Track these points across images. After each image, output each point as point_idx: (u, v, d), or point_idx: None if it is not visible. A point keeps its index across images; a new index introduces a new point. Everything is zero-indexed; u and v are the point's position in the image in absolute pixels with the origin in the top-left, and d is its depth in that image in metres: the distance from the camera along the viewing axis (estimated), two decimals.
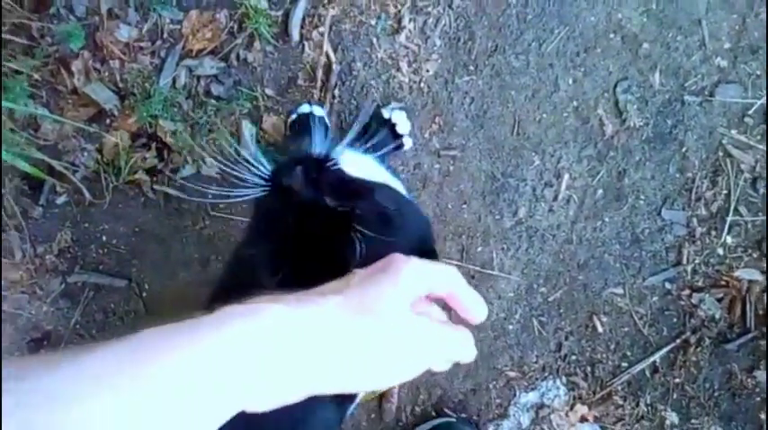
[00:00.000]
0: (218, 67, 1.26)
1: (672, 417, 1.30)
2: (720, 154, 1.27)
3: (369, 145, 0.65)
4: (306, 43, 1.25)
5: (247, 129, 1.26)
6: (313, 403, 0.37)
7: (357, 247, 0.46)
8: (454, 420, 1.26)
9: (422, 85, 1.26)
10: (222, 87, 1.26)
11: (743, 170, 1.27)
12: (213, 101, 1.26)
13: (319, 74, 1.26)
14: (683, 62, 1.26)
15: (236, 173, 0.54)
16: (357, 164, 0.56)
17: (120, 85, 1.26)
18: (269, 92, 1.27)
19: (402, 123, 1.20)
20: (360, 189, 0.50)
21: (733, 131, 1.26)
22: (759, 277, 1.27)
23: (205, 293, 1.27)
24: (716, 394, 1.30)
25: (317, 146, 0.54)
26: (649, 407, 1.30)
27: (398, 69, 1.26)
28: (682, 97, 1.26)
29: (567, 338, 1.31)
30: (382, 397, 1.29)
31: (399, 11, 1.25)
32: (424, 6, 1.25)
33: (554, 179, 1.28)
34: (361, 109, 1.21)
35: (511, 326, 1.30)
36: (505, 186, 1.28)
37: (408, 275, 0.41)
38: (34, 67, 1.23)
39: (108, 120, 1.27)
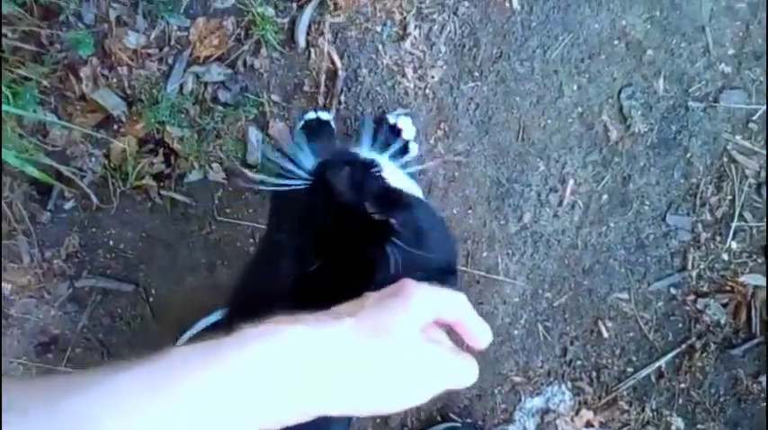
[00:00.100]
0: (225, 74, 1.27)
1: (677, 423, 1.30)
2: (725, 159, 1.27)
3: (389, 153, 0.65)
4: (312, 50, 1.26)
5: (254, 135, 1.27)
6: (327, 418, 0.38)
7: (391, 259, 0.46)
8: (459, 425, 1.27)
9: (427, 91, 1.27)
10: (229, 93, 1.27)
11: (747, 176, 1.27)
12: (220, 107, 1.27)
13: (324, 80, 1.27)
14: (687, 68, 1.26)
15: (281, 162, 0.54)
16: (394, 174, 0.56)
17: (128, 91, 1.27)
18: (275, 98, 1.28)
19: (407, 129, 1.21)
20: (400, 201, 0.50)
21: (737, 137, 1.27)
22: (764, 282, 1.27)
23: (212, 297, 1.29)
24: (721, 399, 1.30)
25: (365, 150, 0.54)
26: (655, 413, 1.31)
27: (404, 75, 1.27)
28: (686, 103, 1.27)
29: (572, 343, 1.31)
30: None
31: (405, 18, 1.26)
32: (430, 13, 1.26)
33: (559, 184, 1.28)
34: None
35: (516, 332, 1.30)
36: (510, 192, 1.28)
37: (419, 301, 0.42)
38: (43, 73, 1.24)
39: (116, 126, 1.28)
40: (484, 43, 1.27)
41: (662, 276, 1.29)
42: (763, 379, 1.28)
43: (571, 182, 1.28)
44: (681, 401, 1.30)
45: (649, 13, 1.26)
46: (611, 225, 1.29)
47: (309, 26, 1.26)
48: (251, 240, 1.30)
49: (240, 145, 1.28)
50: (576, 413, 1.30)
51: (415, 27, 1.26)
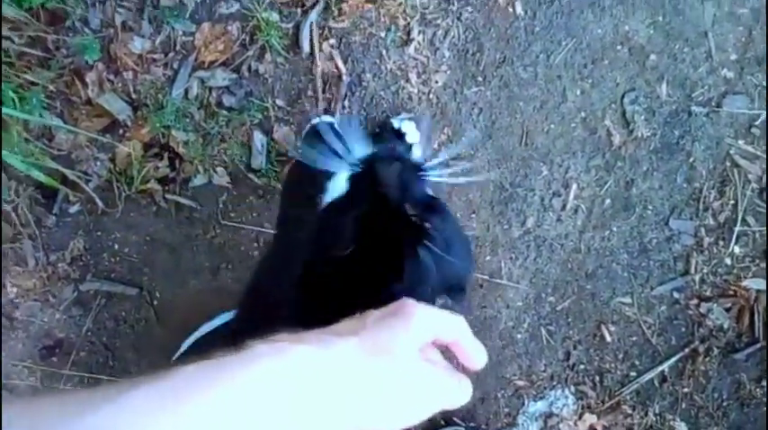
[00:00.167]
0: (229, 79, 1.28)
1: (681, 427, 1.30)
2: (728, 164, 1.28)
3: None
4: (316, 55, 1.27)
5: (258, 139, 1.28)
6: None
7: (424, 261, 0.47)
8: (463, 429, 1.27)
9: (431, 95, 1.28)
10: (234, 98, 1.28)
11: (750, 180, 1.27)
12: (225, 111, 1.28)
13: (329, 85, 1.28)
14: (689, 73, 1.27)
15: (332, 142, 0.54)
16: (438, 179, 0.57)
17: (134, 95, 1.28)
18: (280, 102, 1.28)
19: (411, 133, 1.21)
20: (437, 207, 0.51)
21: (740, 142, 1.27)
22: (767, 287, 1.28)
23: (216, 300, 1.29)
24: (724, 404, 1.30)
25: (421, 150, 0.54)
26: (658, 417, 1.31)
27: (408, 80, 1.28)
28: (689, 108, 1.27)
29: (575, 347, 1.31)
30: None
31: (409, 23, 1.27)
32: (433, 18, 1.27)
33: (562, 189, 1.29)
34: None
35: (519, 335, 1.31)
36: (514, 196, 1.29)
37: (420, 321, 0.42)
38: (49, 78, 1.25)
39: (121, 131, 1.29)
40: (487, 48, 1.27)
41: (665, 280, 1.30)
42: (765, 383, 1.28)
43: (574, 186, 1.28)
44: (684, 405, 1.30)
45: (652, 19, 1.26)
46: (615, 229, 1.29)
47: (314, 31, 1.27)
48: (255, 244, 1.31)
49: (245, 149, 1.29)
50: (580, 417, 1.30)
51: (419, 32, 1.27)
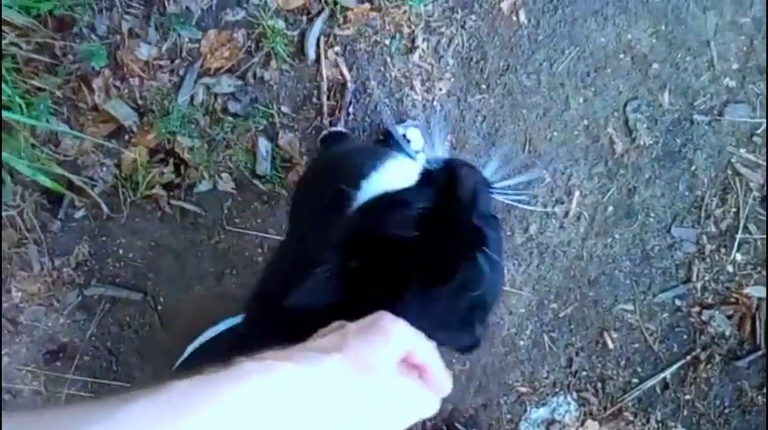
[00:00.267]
0: (235, 85, 1.28)
1: None
2: (729, 172, 1.28)
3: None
4: (321, 62, 1.28)
5: (263, 145, 1.29)
6: None
7: (480, 266, 0.49)
8: None
9: (435, 103, 1.29)
10: (239, 105, 1.29)
11: (752, 188, 1.28)
12: (230, 118, 1.29)
13: (333, 92, 1.29)
14: (691, 82, 1.28)
15: (422, 135, 0.58)
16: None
17: (140, 101, 1.29)
18: (285, 109, 1.29)
19: (416, 140, 1.22)
20: (496, 224, 0.54)
21: (742, 150, 1.28)
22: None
23: (220, 306, 1.30)
24: (726, 411, 1.31)
25: (489, 170, 0.57)
26: (660, 424, 1.31)
27: (412, 88, 1.29)
28: (691, 116, 1.28)
29: (577, 354, 1.32)
30: None
31: (413, 31, 1.28)
32: (438, 27, 1.28)
33: (565, 196, 1.29)
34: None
35: (522, 342, 1.31)
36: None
37: (397, 337, 0.45)
38: (56, 84, 1.26)
39: (127, 137, 1.30)
40: (491, 56, 1.28)
41: (667, 288, 1.30)
42: (766, 390, 1.29)
43: (577, 193, 1.29)
44: (686, 412, 1.31)
45: (655, 28, 1.27)
46: (617, 236, 1.30)
47: (319, 39, 1.28)
48: (259, 250, 1.31)
49: (250, 155, 1.29)
50: (582, 424, 1.31)
51: (424, 40, 1.28)
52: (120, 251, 1.33)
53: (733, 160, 1.28)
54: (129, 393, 0.36)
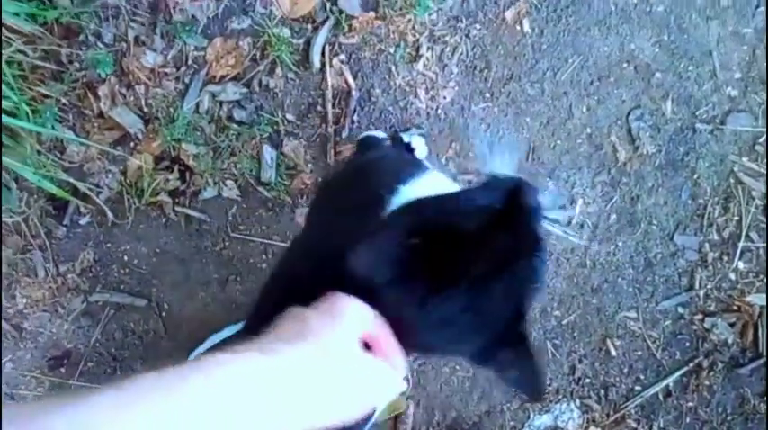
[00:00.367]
0: (240, 93, 1.29)
1: None
2: (732, 181, 1.29)
3: None
4: (326, 70, 1.28)
5: (268, 153, 1.29)
6: None
7: (535, 266, 0.54)
8: None
9: (439, 111, 1.29)
10: (244, 112, 1.30)
11: (754, 197, 1.29)
12: (235, 125, 1.29)
13: (336, 100, 1.29)
14: (694, 91, 1.29)
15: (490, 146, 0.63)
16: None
17: (145, 109, 1.29)
18: (289, 117, 1.30)
19: (420, 148, 1.23)
20: (544, 245, 0.58)
21: (744, 159, 1.29)
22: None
23: (224, 313, 1.30)
24: (728, 418, 1.31)
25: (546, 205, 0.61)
26: None
27: (416, 96, 1.29)
28: (693, 125, 1.29)
29: (580, 361, 1.32)
30: (397, 418, 1.30)
31: (417, 40, 1.28)
32: (442, 35, 1.29)
33: (568, 204, 1.30)
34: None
35: None
36: None
37: (353, 315, 0.47)
38: (62, 91, 1.26)
39: (132, 144, 1.30)
40: (495, 65, 1.29)
41: (670, 295, 1.31)
42: None
43: (580, 201, 1.30)
44: (688, 420, 1.31)
45: (658, 37, 1.28)
46: (620, 244, 1.31)
47: (324, 47, 1.28)
48: (264, 256, 1.32)
49: (254, 162, 1.30)
50: None
51: (428, 49, 1.28)
52: (125, 257, 1.33)
53: (735, 169, 1.29)
54: (111, 383, 0.37)
